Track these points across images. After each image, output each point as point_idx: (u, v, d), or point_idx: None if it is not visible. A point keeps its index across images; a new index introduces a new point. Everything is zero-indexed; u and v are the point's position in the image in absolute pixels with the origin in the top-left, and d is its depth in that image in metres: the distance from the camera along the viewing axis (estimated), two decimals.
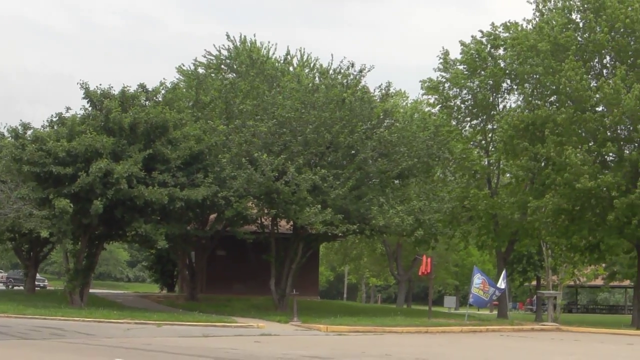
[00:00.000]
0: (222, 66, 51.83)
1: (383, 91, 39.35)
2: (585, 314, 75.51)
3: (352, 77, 38.41)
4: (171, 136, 32.96)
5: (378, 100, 38.94)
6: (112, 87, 33.94)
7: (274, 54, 50.70)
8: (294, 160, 32.99)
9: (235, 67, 48.35)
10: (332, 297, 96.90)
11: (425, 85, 49.22)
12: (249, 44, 51.87)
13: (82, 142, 30.57)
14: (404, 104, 59.89)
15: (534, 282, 68.77)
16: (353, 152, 35.52)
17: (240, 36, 51.91)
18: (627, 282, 70.94)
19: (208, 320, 28.51)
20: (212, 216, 38.44)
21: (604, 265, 63.25)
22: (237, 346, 20.12)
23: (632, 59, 38.56)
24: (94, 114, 33.00)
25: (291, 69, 47.92)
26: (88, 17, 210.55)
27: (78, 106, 44.78)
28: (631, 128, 37.68)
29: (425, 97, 52.26)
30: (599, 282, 76.66)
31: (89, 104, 33.76)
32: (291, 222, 37.45)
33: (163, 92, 36.49)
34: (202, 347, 19.48)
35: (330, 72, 40.38)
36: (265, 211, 35.62)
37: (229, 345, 20.22)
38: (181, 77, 52.50)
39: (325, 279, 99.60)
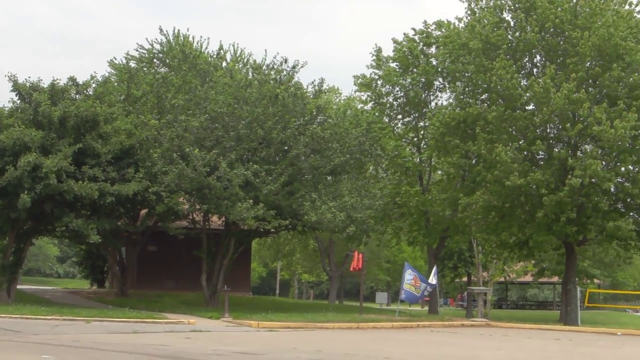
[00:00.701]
0: (155, 60, 51.36)
1: (316, 87, 39.32)
2: (515, 310, 76.61)
3: (285, 73, 38.32)
4: (102, 130, 32.53)
5: (311, 96, 38.91)
6: (41, 80, 33.42)
7: (207, 48, 50.38)
8: (226, 155, 32.84)
9: (167, 61, 47.97)
10: (265, 293, 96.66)
11: (358, 82, 49.41)
12: (182, 38, 51.48)
13: (10, 136, 30.03)
14: (337, 100, 60.05)
15: (465, 278, 69.41)
16: (286, 148, 35.44)
17: (174, 30, 51.57)
18: (555, 279, 72.23)
19: (138, 317, 28.20)
20: (143, 211, 38.04)
21: (533, 261, 64.25)
22: (167, 342, 19.98)
23: (561, 58, 39.11)
24: (23, 107, 32.44)
25: (224, 64, 47.65)
26: (18, 9, 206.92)
27: (6, 99, 44.01)
28: (560, 127, 38.23)
29: (358, 93, 52.43)
30: (528, 278, 77.93)
31: (17, 97, 33.16)
32: (223, 218, 37.35)
33: (94, 85, 35.96)
34: (132, 344, 19.29)
35: (264, 67, 40.24)
36: (197, 207, 35.39)
37: (159, 342, 20.07)
38: (113, 70, 51.89)
39: (258, 275, 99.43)
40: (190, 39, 50.56)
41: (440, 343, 24.22)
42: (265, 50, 43.86)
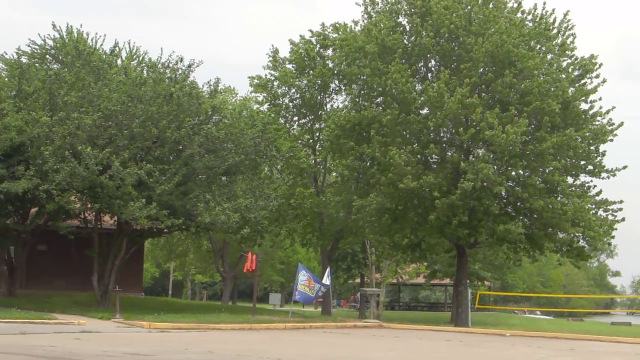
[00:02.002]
0: (47, 56, 50.14)
1: (212, 87, 39.08)
2: (407, 311, 77.53)
3: (180, 71, 37.95)
4: None
5: (206, 96, 38.66)
6: None
7: (101, 45, 49.36)
8: (119, 154, 32.30)
9: (60, 57, 46.85)
10: (157, 293, 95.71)
11: (254, 82, 49.36)
12: (76, 35, 50.41)
13: None
14: (233, 100, 59.73)
15: (358, 280, 70.03)
16: (180, 147, 35.10)
17: (67, 26, 50.33)
18: (447, 280, 73.40)
19: (26, 317, 27.43)
20: (33, 210, 37.11)
21: (425, 263, 65.16)
22: (56, 343, 19.51)
23: (455, 63, 39.67)
24: None
25: (119, 61, 46.88)
26: None
27: None
28: (453, 131, 38.76)
29: (254, 94, 52.31)
30: (420, 280, 79.08)
31: None
32: (115, 217, 36.76)
33: None
34: (19, 345, 18.77)
35: (159, 66, 39.76)
36: (89, 205, 34.76)
37: (47, 343, 19.59)
38: (3, 65, 50.53)
39: (151, 275, 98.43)
40: (85, 35, 49.54)
41: (332, 344, 24.29)
42: (161, 49, 43.57)
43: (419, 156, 39.24)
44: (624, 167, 40.29)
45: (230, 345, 21.87)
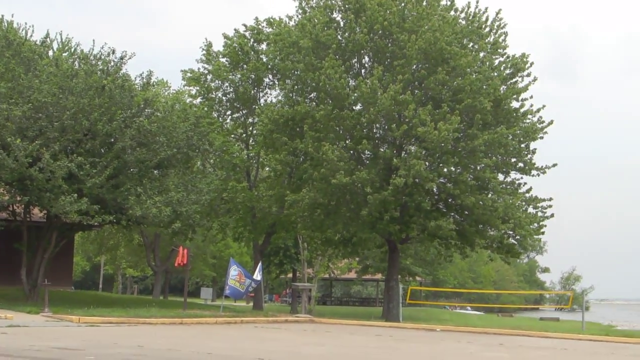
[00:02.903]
0: None
1: (144, 80, 38.70)
2: (339, 306, 77.66)
3: (113, 64, 37.50)
4: None
5: (139, 88, 38.26)
6: None
7: (31, 36, 48.58)
8: (49, 146, 31.83)
9: None
10: (88, 287, 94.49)
11: (187, 76, 49.01)
12: (6, 25, 49.52)
13: None
14: (166, 93, 59.26)
15: (290, 275, 69.93)
16: (111, 140, 34.67)
17: None
18: (379, 276, 73.82)
19: None
20: None
21: (357, 259, 65.42)
22: None
23: (389, 60, 39.87)
24: None
25: (50, 52, 46.16)
26: None
27: None
28: (386, 127, 38.96)
29: (187, 88, 51.94)
30: (352, 275, 79.35)
31: None
32: (45, 210, 36.20)
33: None
34: None
35: (91, 57, 39.23)
36: (18, 198, 34.13)
37: None
38: None
39: (81, 269, 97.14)
40: (16, 25, 48.71)
41: (263, 339, 24.23)
42: (93, 40, 42.71)
43: (351, 152, 39.41)
44: (554, 165, 40.89)
45: (160, 339, 21.69)
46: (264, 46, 47.99)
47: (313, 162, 39.18)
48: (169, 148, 35.58)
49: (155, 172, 37.16)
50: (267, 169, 49.57)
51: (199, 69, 48.59)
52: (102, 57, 38.00)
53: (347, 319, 38.01)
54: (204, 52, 48.80)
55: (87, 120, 32.97)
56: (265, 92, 48.95)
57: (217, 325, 30.68)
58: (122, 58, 37.67)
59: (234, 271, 36.23)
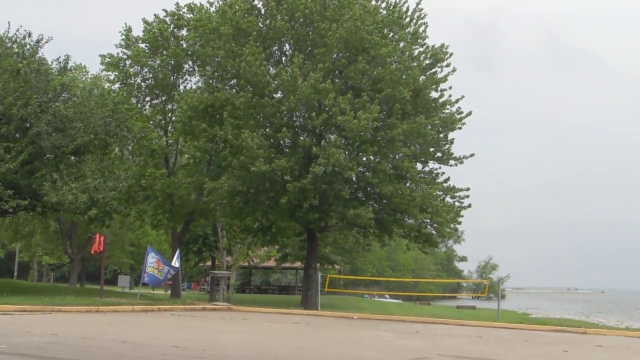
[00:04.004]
0: None
1: (61, 64, 38.12)
2: (259, 294, 77.61)
3: (28, 47, 36.82)
4: None
5: (56, 73, 37.65)
6: None
7: None
8: None
9: None
10: (2, 275, 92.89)
11: (106, 61, 48.33)
12: None
13: None
14: (84, 78, 58.40)
15: (209, 263, 69.68)
16: (27, 125, 34.08)
17: None
18: (298, 264, 73.81)
19: None
20: None
21: (276, 247, 65.37)
22: None
23: (309, 48, 39.89)
24: None
25: None
26: None
27: None
28: (306, 115, 39.00)
29: (105, 73, 51.24)
30: (271, 263, 79.28)
31: None
32: None
33: None
34: None
35: (6, 40, 38.45)
36: None
37: None
38: None
39: None
40: None
41: (180, 327, 24.06)
42: (9, 23, 41.30)
43: (271, 140, 39.31)
44: (472, 155, 41.34)
45: (75, 327, 21.38)
46: (184, 32, 47.61)
47: (232, 149, 39.00)
48: (86, 134, 35.09)
49: (71, 158, 36.65)
50: (186, 155, 49.18)
51: (118, 54, 48.02)
52: (18, 40, 37.28)
53: (266, 307, 37.97)
54: (124, 37, 48.19)
55: (1, 104, 32.36)
56: (185, 78, 48.65)
57: (134, 313, 30.37)
58: (38, 41, 37.04)
59: (152, 258, 35.91)
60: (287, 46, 41.90)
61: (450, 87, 41.06)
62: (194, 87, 47.35)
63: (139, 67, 47.69)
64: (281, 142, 40.34)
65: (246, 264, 71.28)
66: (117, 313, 29.53)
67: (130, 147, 48.32)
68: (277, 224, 43.05)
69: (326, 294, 58.86)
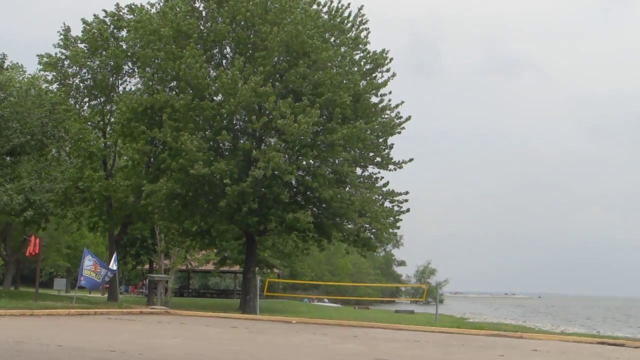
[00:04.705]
0: None
1: None
2: (197, 298, 77.19)
3: None
4: None
5: None
6: None
7: None
8: None
9: None
10: None
11: (44, 60, 47.69)
12: None
13: None
14: (21, 78, 57.54)
15: (147, 266, 69.13)
16: None
17: None
18: (236, 268, 73.62)
19: None
20: None
21: (215, 250, 65.12)
22: None
23: (250, 51, 39.84)
24: None
25: None
26: None
27: None
28: (246, 118, 38.90)
29: (43, 73, 50.54)
30: (210, 267, 78.94)
31: None
32: None
33: None
34: None
35: None
36: None
37: None
38: None
39: None
40: None
41: (117, 330, 23.82)
42: None
43: (211, 143, 39.18)
44: (410, 160, 41.66)
45: (8, 331, 21.04)
46: (124, 33, 47.22)
47: (171, 152, 38.77)
48: (22, 134, 34.65)
49: (7, 158, 36.13)
50: (124, 158, 48.79)
51: (56, 54, 47.44)
52: None
53: (204, 311, 37.77)
54: (62, 37, 47.64)
55: None
56: (124, 79, 48.27)
57: (70, 316, 30.00)
58: None
59: (88, 261, 35.54)
60: (228, 49, 41.80)
61: (390, 92, 41.36)
62: (133, 88, 47.06)
63: (77, 68, 47.20)
64: (221, 145, 40.21)
65: (184, 267, 70.84)
66: (52, 317, 29.14)
67: (67, 149, 47.77)
68: (215, 227, 42.85)
69: (265, 298, 58.79)
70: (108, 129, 48.73)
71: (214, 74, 39.80)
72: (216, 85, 38.59)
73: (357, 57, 41.71)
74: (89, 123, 49.20)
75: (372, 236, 42.44)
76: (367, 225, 40.79)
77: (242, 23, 39.51)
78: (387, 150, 41.48)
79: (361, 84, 40.38)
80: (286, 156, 38.15)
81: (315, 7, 41.52)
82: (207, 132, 39.59)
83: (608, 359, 18.29)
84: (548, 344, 22.76)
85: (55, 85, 47.89)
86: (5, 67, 39.50)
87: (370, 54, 41.63)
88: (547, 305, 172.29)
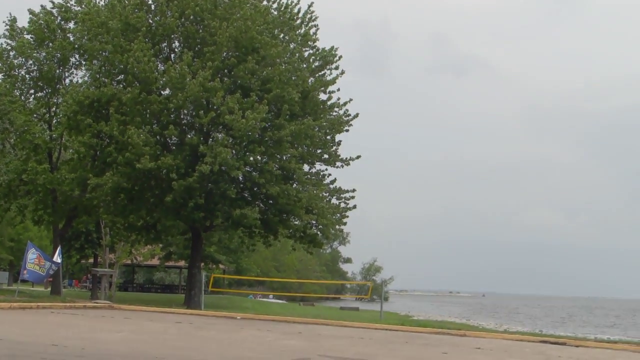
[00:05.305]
0: None
1: None
2: (142, 293, 76.80)
3: None
4: None
5: None
6: None
7: None
8: None
9: None
10: None
11: None
12: None
13: None
14: None
15: (92, 260, 68.59)
16: None
17: None
18: (182, 263, 73.35)
19: None
20: None
21: (160, 245, 64.82)
22: None
23: (199, 46, 39.72)
24: None
25: None
26: None
27: None
28: (194, 113, 38.80)
29: None
30: (155, 261, 78.59)
31: None
32: None
33: None
34: None
35: None
36: None
37: None
38: None
39: None
40: None
41: (59, 325, 23.62)
42: None
43: (158, 137, 38.99)
44: (358, 157, 41.86)
45: None
46: (71, 25, 46.77)
47: (118, 145, 38.50)
48: None
49: None
50: (70, 151, 48.33)
51: (1, 44, 46.90)
52: None
53: (148, 306, 37.56)
54: (8, 27, 47.08)
55: None
56: (71, 72, 47.89)
57: (12, 310, 29.65)
58: None
59: (32, 254, 35.13)
60: (176, 43, 41.64)
61: (338, 90, 41.49)
62: (80, 81, 46.64)
63: (23, 59, 46.72)
64: (168, 139, 40.02)
65: (129, 261, 70.46)
66: None
67: (12, 141, 47.21)
68: (161, 222, 42.64)
69: (210, 294, 58.62)
70: (54, 122, 48.24)
71: (162, 68, 39.63)
72: (164, 79, 38.40)
73: (306, 54, 41.82)
74: (35, 115, 48.64)
75: (318, 233, 42.55)
76: (314, 222, 40.90)
77: (191, 17, 39.38)
78: (334, 148, 41.62)
79: (310, 81, 40.49)
80: (233, 152, 38.10)
81: (265, 2, 41.52)
82: (154, 126, 39.41)
83: (550, 357, 18.54)
84: (491, 342, 23.01)
85: (0, 77, 47.32)
86: None
87: (320, 51, 41.74)
88: (491, 304, 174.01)
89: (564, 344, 22.65)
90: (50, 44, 46.09)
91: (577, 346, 22.05)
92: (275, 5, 41.96)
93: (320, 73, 41.57)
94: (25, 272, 35.14)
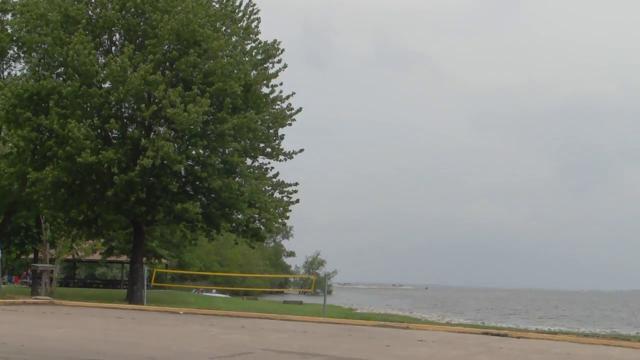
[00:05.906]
0: None
1: None
2: (83, 288, 75.99)
3: None
4: None
5: None
6: None
7: None
8: None
9: None
10: None
11: None
12: None
13: None
14: None
15: (32, 255, 67.74)
16: None
17: None
18: (124, 258, 72.78)
19: None
20: None
21: (102, 240, 64.25)
22: None
23: (140, 39, 39.41)
24: None
25: None
26: None
27: None
28: (135, 107, 38.51)
29: None
30: (97, 256, 77.86)
31: None
32: None
33: None
34: None
35: None
36: None
37: None
38: None
39: None
40: None
41: None
42: None
43: (99, 130, 38.62)
44: (301, 151, 41.94)
45: None
46: (9, 16, 46.07)
47: (58, 139, 38.03)
48: None
49: None
50: (9, 145, 47.62)
51: None
52: None
53: (90, 301, 37.23)
54: None
55: None
56: (9, 64, 47.13)
57: None
58: None
59: None
60: (117, 36, 41.27)
61: (281, 83, 41.50)
62: (19, 74, 45.93)
63: None
64: (109, 133, 39.67)
65: (70, 257, 69.71)
66: None
67: None
68: (103, 216, 42.21)
69: (153, 289, 58.24)
70: None
71: (103, 60, 39.27)
72: (105, 72, 38.03)
73: (248, 47, 41.72)
74: None
75: (261, 226, 42.51)
76: (257, 216, 40.85)
77: (132, 10, 39.05)
78: (277, 141, 41.62)
79: (252, 74, 40.41)
80: (175, 145, 37.91)
81: None
82: (95, 120, 39.02)
83: (491, 348, 18.75)
84: (434, 335, 23.19)
85: None
86: None
87: (262, 44, 41.67)
88: (434, 297, 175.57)
89: (505, 335, 22.91)
90: None
91: (518, 337, 22.32)
92: None
93: (262, 66, 41.51)
94: None
